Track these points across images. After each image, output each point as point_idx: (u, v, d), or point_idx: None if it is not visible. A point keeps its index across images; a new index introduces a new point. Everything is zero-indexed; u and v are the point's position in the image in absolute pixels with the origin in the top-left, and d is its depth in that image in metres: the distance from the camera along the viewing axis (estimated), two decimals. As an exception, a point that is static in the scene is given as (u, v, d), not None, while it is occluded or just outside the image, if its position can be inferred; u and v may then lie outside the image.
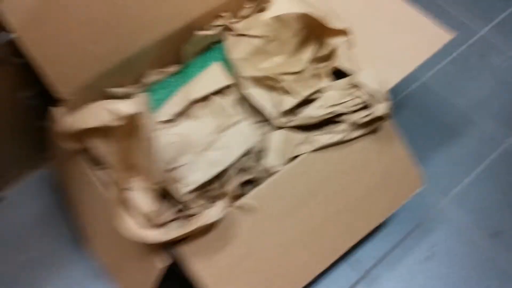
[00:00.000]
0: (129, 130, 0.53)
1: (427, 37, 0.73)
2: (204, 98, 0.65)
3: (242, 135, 0.63)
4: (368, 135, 0.67)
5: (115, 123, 0.52)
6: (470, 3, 1.13)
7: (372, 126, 0.66)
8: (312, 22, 0.69)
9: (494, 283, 0.79)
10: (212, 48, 0.80)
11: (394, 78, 0.69)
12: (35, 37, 0.62)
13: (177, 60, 0.78)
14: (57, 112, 0.66)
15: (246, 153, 0.63)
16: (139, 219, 0.57)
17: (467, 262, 0.81)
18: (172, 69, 0.78)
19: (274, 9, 0.66)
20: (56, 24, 0.63)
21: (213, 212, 0.56)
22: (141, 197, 0.57)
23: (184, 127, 0.64)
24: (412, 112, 0.97)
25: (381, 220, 0.70)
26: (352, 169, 0.67)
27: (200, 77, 0.68)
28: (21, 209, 0.81)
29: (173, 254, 0.58)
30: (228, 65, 0.73)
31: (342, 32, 0.70)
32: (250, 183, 0.65)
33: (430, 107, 0.98)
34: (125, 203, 0.57)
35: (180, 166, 0.61)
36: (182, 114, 0.65)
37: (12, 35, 0.60)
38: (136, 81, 0.77)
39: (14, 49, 0.62)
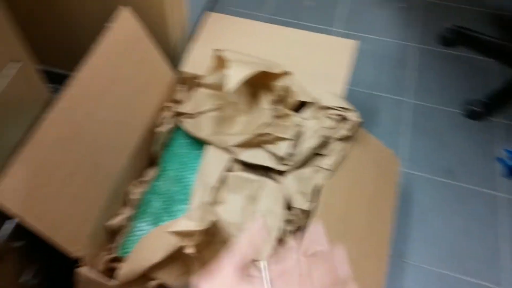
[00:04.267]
0: (203, 241, 0.52)
1: (337, 48, 0.87)
2: (220, 181, 0.66)
3: (273, 193, 0.66)
4: (351, 143, 0.77)
5: (188, 241, 0.51)
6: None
7: (353, 133, 0.75)
8: (255, 76, 0.76)
9: (471, 202, 0.96)
10: (172, 138, 0.81)
11: (338, 89, 0.81)
12: (35, 214, 0.57)
13: (150, 163, 0.78)
14: (84, 271, 0.60)
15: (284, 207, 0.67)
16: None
17: (448, 200, 0.97)
18: (151, 173, 0.76)
19: (233, 80, 0.71)
20: (48, 194, 0.59)
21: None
22: None
23: (220, 214, 0.64)
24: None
25: (395, 200, 0.80)
26: (358, 175, 0.75)
27: (205, 163, 0.69)
28: None
29: None
30: (195, 144, 0.75)
31: (286, 73, 0.79)
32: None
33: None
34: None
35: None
36: (212, 204, 0.65)
37: (16, 220, 0.54)
38: (124, 203, 0.73)
39: (14, 235, 0.55)
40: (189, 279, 0.54)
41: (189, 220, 0.51)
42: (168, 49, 0.92)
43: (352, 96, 1.12)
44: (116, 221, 0.69)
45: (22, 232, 0.56)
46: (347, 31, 1.29)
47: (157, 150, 0.78)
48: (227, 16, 0.93)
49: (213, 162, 0.69)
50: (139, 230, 0.69)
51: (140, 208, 0.73)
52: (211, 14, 0.93)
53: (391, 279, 0.84)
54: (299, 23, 1.29)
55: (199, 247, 0.51)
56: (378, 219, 0.75)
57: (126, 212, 0.73)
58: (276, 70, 0.77)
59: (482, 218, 0.94)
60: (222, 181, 0.67)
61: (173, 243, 0.50)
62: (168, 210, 0.70)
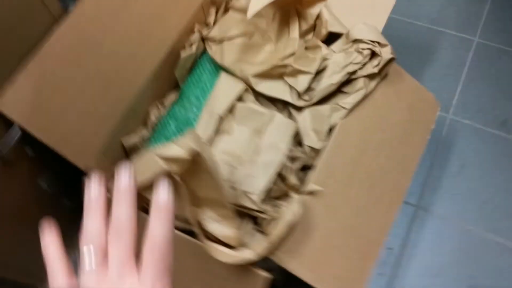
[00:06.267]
0: (190, 169, 0.52)
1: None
2: (229, 110, 0.65)
3: (280, 128, 0.64)
4: (382, 81, 0.70)
5: (173, 168, 0.51)
6: None
7: (384, 71, 0.69)
8: (283, 1, 0.70)
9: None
10: (198, 61, 0.80)
11: (379, 22, 0.73)
12: (41, 126, 0.60)
13: (173, 86, 0.78)
14: (93, 180, 0.64)
15: (291, 142, 0.65)
16: (228, 245, 0.57)
17: (494, 155, 0.88)
18: (171, 96, 0.77)
19: (253, 5, 0.67)
20: (56, 107, 0.62)
21: (295, 209, 0.58)
22: (221, 226, 0.57)
23: (222, 144, 0.64)
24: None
25: (423, 148, 0.74)
26: (383, 117, 0.70)
27: (215, 91, 0.68)
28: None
29: (271, 262, 0.59)
30: (219, 71, 0.73)
31: (319, 0, 0.72)
32: (303, 170, 0.67)
33: (400, 38, 1.03)
34: (209, 236, 0.57)
35: (239, 180, 0.61)
36: (216, 133, 0.65)
37: (20, 130, 0.58)
38: (144, 121, 0.75)
39: (24, 140, 0.59)
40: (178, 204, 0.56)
41: (176, 146, 0.51)
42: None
43: (409, 30, 1.02)
44: (132, 139, 0.72)
45: (32, 139, 0.60)
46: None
47: (181, 73, 0.77)
48: None
49: (224, 90, 0.67)
50: (152, 150, 0.71)
51: (156, 131, 0.75)
52: None
53: (410, 229, 0.81)
54: None
55: (185, 175, 0.51)
56: (399, 166, 0.70)
57: (144, 133, 0.75)
58: (308, -6, 0.71)
59: (531, 178, 0.85)
60: (231, 111, 0.66)
61: (159, 166, 0.51)
62: (182, 135, 0.71)
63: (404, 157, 0.71)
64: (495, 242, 0.78)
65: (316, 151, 0.66)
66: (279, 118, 0.64)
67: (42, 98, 0.59)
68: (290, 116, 0.70)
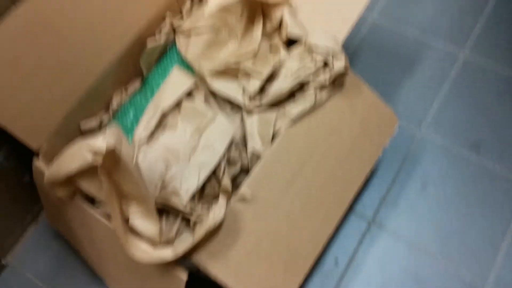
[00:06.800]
0: (111, 163, 0.52)
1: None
2: (176, 105, 0.65)
3: (221, 130, 0.63)
4: (336, 91, 0.69)
5: (96, 160, 0.51)
6: None
7: (337, 82, 0.67)
8: (252, 1, 0.69)
9: (487, 187, 0.83)
10: (167, 52, 0.79)
11: (342, 30, 0.70)
12: None
13: (138, 73, 0.78)
14: (39, 164, 0.65)
15: (230, 145, 0.64)
16: (148, 242, 0.57)
17: (459, 178, 0.85)
18: (135, 84, 0.77)
19: (213, 2, 0.66)
20: (7, 86, 0.63)
21: (217, 213, 0.57)
22: (143, 222, 0.57)
23: (165, 138, 0.64)
24: (370, 54, 0.99)
25: (372, 165, 0.72)
26: (332, 129, 0.68)
27: (165, 85, 0.68)
28: (27, 271, 0.81)
29: (191, 263, 0.59)
30: (186, 64, 0.73)
31: (283, 2, 0.70)
32: (243, 173, 0.66)
33: (385, 44, 1.00)
34: (130, 231, 0.57)
35: (172, 178, 0.61)
36: (159, 126, 0.64)
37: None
38: (106, 106, 0.76)
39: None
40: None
41: (101, 139, 0.51)
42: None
43: (396, 36, 0.98)
44: (91, 123, 0.73)
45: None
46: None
47: (147, 62, 0.77)
48: None
49: (173, 85, 0.67)
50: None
51: (115, 117, 0.75)
52: None
53: (360, 243, 0.80)
54: None
55: (110, 168, 0.52)
56: (342, 181, 0.69)
57: (104, 118, 0.75)
58: (273, -2, 0.69)
59: (494, 208, 0.81)
60: (178, 106, 0.65)
61: (84, 157, 0.52)
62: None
63: (349, 172, 0.69)
64: (445, 267, 0.76)
65: (256, 156, 0.65)
66: (220, 120, 0.63)
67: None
68: (242, 118, 0.69)
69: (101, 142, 0.50)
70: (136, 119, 0.73)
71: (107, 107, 0.76)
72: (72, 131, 0.73)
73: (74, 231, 0.71)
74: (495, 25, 1.00)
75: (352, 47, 1.00)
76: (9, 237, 0.82)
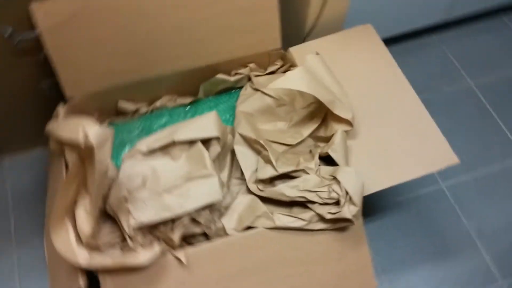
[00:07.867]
0: (88, 154, 0.54)
1: (433, 153, 0.69)
2: (189, 142, 0.66)
3: (205, 190, 0.62)
4: (334, 231, 0.64)
5: (82, 143, 0.54)
6: None
7: (338, 224, 0.63)
8: (320, 101, 0.68)
9: None
10: (231, 92, 0.82)
11: (378, 184, 0.66)
12: (57, 41, 0.67)
13: (194, 93, 0.81)
14: (61, 110, 0.70)
15: (206, 207, 0.63)
16: (77, 236, 0.58)
17: None
18: (186, 100, 0.80)
19: (282, 81, 0.66)
20: (82, 34, 0.68)
21: (144, 257, 0.57)
22: (84, 215, 0.58)
23: (159, 163, 0.65)
24: (415, 216, 0.92)
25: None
26: (308, 261, 0.64)
27: (193, 120, 0.69)
28: (10, 179, 0.87)
29: (98, 278, 0.59)
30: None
31: (345, 121, 0.68)
32: (204, 236, 0.65)
33: (435, 217, 0.92)
34: (70, 217, 0.59)
35: (136, 198, 0.61)
36: (162, 149, 0.66)
37: (38, 33, 0.65)
38: (150, 100, 0.80)
39: (39, 43, 0.67)
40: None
41: (95, 129, 0.53)
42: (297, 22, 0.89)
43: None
44: (127, 106, 0.77)
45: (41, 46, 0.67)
46: None
47: (206, 88, 0.80)
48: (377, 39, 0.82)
49: (200, 124, 0.67)
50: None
51: (151, 114, 0.79)
52: (365, 26, 0.84)
53: None
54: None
55: (86, 158, 0.54)
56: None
57: (143, 109, 0.79)
58: (337, 112, 0.67)
59: None
60: (191, 144, 0.66)
61: (76, 135, 0.54)
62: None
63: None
64: None
65: (222, 231, 0.64)
66: (213, 181, 0.62)
67: (72, 22, 0.66)
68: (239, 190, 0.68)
69: (93, 132, 0.52)
70: (164, 127, 0.75)
71: (150, 102, 0.80)
72: (106, 103, 0.77)
73: (50, 178, 0.75)
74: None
75: (402, 196, 0.93)
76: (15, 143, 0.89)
